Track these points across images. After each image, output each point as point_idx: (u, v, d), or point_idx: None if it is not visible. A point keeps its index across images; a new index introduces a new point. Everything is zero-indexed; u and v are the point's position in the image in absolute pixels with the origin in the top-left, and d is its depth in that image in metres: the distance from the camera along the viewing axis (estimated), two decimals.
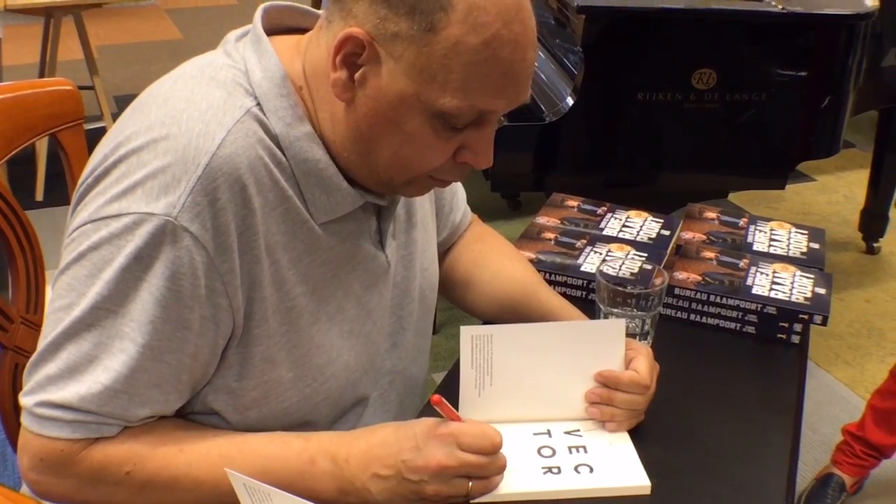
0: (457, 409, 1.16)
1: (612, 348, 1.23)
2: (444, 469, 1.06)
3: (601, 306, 1.37)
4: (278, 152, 1.07)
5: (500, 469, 1.09)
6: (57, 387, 1.04)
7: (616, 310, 1.36)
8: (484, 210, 1.61)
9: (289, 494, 0.92)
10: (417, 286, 1.31)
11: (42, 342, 1.05)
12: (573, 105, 2.33)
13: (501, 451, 1.10)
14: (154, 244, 1.00)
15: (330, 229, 1.13)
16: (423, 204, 1.34)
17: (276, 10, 1.16)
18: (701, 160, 2.48)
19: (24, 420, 1.06)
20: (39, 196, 3.81)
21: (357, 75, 1.03)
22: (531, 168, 2.42)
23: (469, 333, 1.19)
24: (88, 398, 1.03)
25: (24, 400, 1.06)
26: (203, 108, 1.05)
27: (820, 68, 2.43)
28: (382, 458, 1.07)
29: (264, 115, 1.07)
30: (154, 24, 6.58)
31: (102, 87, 4.07)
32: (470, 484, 1.07)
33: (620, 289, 1.34)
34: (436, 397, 1.10)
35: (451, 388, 1.23)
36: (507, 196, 3.71)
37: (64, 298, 1.04)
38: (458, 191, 1.50)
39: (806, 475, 2.53)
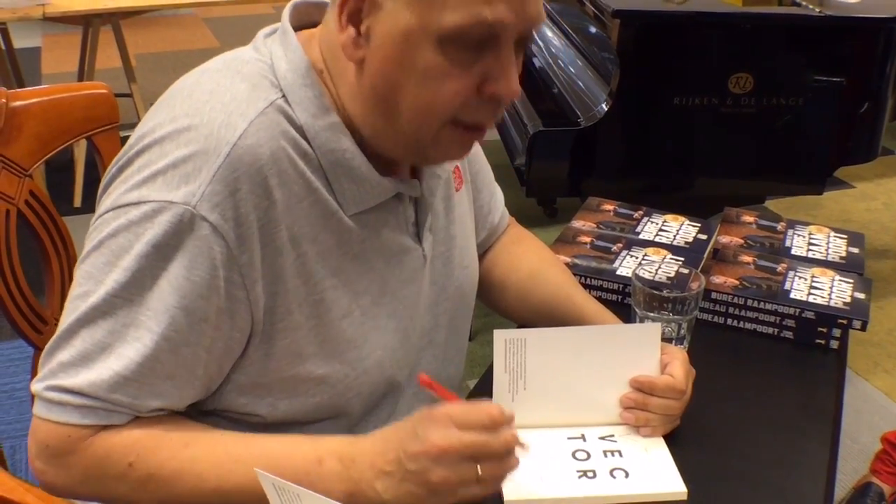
0: None
1: (647, 353, 1.22)
2: (443, 451, 1.01)
3: (637, 310, 1.36)
4: (304, 143, 1.07)
5: (505, 447, 1.03)
6: (68, 373, 1.04)
7: (652, 314, 1.34)
8: (520, 216, 1.60)
9: (318, 495, 0.91)
10: (456, 283, 1.30)
11: (58, 330, 1.06)
12: (608, 110, 2.32)
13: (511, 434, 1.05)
14: (173, 233, 1.00)
15: (362, 221, 1.12)
16: (462, 202, 1.33)
17: (305, 6, 1.16)
18: (737, 165, 2.46)
19: (35, 407, 1.07)
20: (78, 202, 3.85)
21: (363, 29, 1.02)
22: (567, 173, 2.41)
23: (503, 337, 1.19)
24: (98, 384, 1.03)
25: (36, 386, 1.06)
26: (227, 100, 1.05)
27: (858, 73, 2.41)
28: (384, 453, 1.04)
29: (290, 106, 1.07)
30: (191, 32, 6.63)
31: (140, 94, 4.11)
32: (479, 468, 1.02)
33: (657, 293, 1.33)
34: (423, 377, 1.07)
35: (484, 394, 1.23)
36: (543, 203, 3.70)
37: (81, 286, 1.04)
38: (495, 192, 1.49)
39: (845, 484, 2.49)
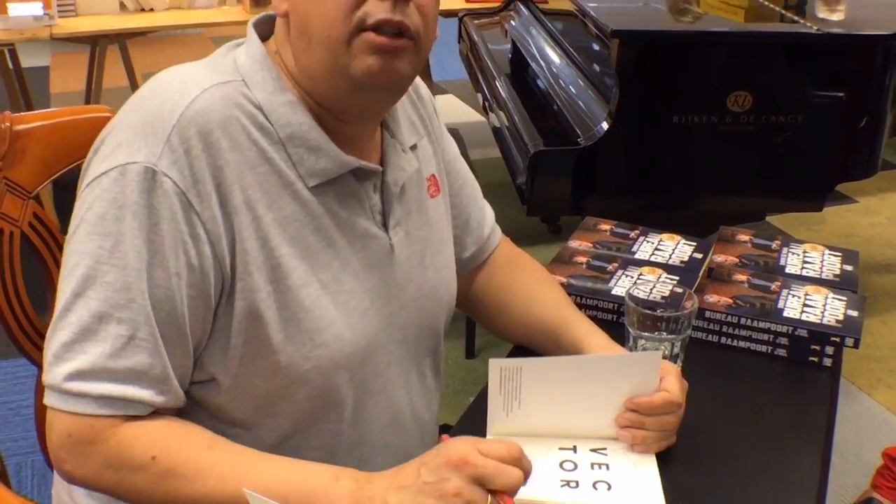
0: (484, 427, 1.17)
1: (646, 381, 1.23)
2: (464, 461, 1.03)
3: (630, 330, 1.37)
4: (262, 118, 1.15)
5: (518, 480, 1.05)
6: (75, 352, 1.08)
7: (646, 333, 1.36)
8: (523, 235, 1.62)
9: None
10: (430, 284, 1.33)
11: (54, 313, 1.10)
12: (608, 129, 2.34)
13: (528, 464, 1.08)
14: (140, 191, 1.07)
15: (324, 196, 1.18)
16: (438, 208, 1.38)
17: (270, 19, 1.25)
18: (737, 183, 2.48)
19: (50, 399, 1.09)
20: None
21: None
22: (568, 192, 2.43)
23: (498, 365, 1.20)
24: (115, 353, 1.07)
25: (48, 377, 1.09)
26: (185, 76, 1.16)
27: (857, 89, 2.42)
28: (402, 471, 1.07)
29: (248, 89, 1.16)
30: (199, 51, 6.68)
31: None
32: (489, 499, 1.04)
33: (650, 312, 1.35)
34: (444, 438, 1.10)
35: (481, 409, 1.25)
36: (546, 220, 3.71)
37: (68, 264, 1.10)
38: (484, 208, 1.53)
39: (846, 500, 2.50)
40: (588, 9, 2.51)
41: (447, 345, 1.46)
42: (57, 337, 1.10)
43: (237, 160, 1.12)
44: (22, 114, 1.55)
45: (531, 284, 1.48)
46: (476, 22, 3.84)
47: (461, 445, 1.06)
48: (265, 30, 1.23)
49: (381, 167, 1.25)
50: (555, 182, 2.41)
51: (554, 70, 2.94)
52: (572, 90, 2.73)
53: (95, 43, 3.81)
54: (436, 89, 5.62)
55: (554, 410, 1.23)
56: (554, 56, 3.02)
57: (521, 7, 3.70)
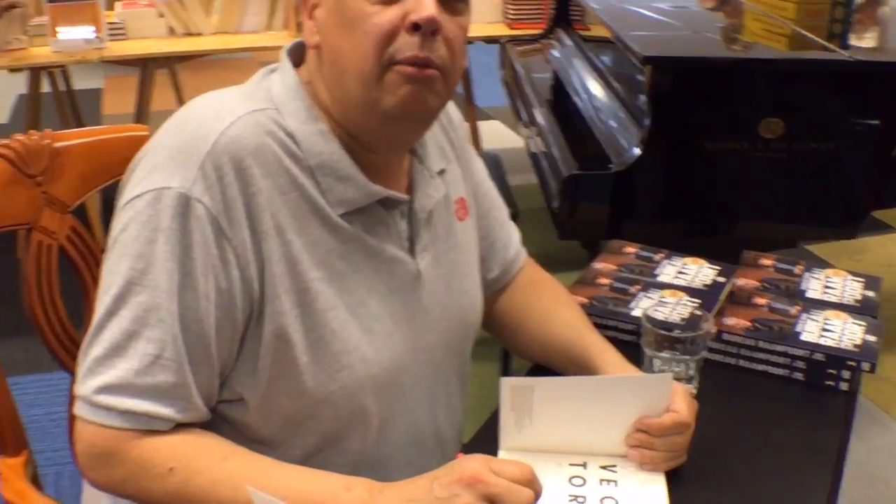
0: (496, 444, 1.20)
1: (656, 402, 1.24)
2: (475, 479, 1.05)
3: (646, 350, 1.39)
4: (293, 146, 1.19)
5: (529, 501, 1.08)
6: (106, 367, 1.13)
7: (661, 353, 1.38)
8: (561, 259, 1.65)
9: None
10: (457, 306, 1.37)
11: (89, 329, 1.16)
12: (641, 154, 2.36)
13: (539, 486, 1.10)
14: (172, 215, 1.12)
15: (351, 222, 1.22)
16: (466, 232, 1.41)
17: (303, 45, 1.29)
18: (769, 209, 2.48)
19: (79, 410, 1.15)
20: None
21: (314, 14, 1.20)
22: (600, 216, 2.45)
23: (509, 384, 1.23)
24: (142, 370, 1.12)
25: (79, 389, 1.15)
26: (219, 103, 1.21)
27: (890, 116, 2.42)
28: (415, 484, 1.10)
29: (281, 116, 1.20)
30: (247, 75, 6.72)
31: None
32: None
33: (664, 332, 1.37)
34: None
35: (493, 431, 1.28)
36: (586, 245, 3.73)
37: (103, 283, 1.16)
38: (511, 229, 1.56)
39: None
40: (623, 35, 2.53)
41: (484, 366, 1.49)
42: (90, 352, 1.15)
43: (268, 186, 1.16)
44: (62, 131, 1.60)
45: (550, 304, 1.51)
46: (518, 49, 3.89)
47: (474, 463, 1.08)
48: (298, 56, 1.28)
49: (407, 196, 1.29)
50: (586, 206, 2.43)
51: (592, 96, 2.97)
52: (609, 116, 2.75)
53: (145, 66, 3.89)
54: (481, 115, 5.65)
55: (565, 428, 1.26)
56: (592, 82, 3.05)
57: (563, 34, 3.74)
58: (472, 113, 4.55)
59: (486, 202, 1.51)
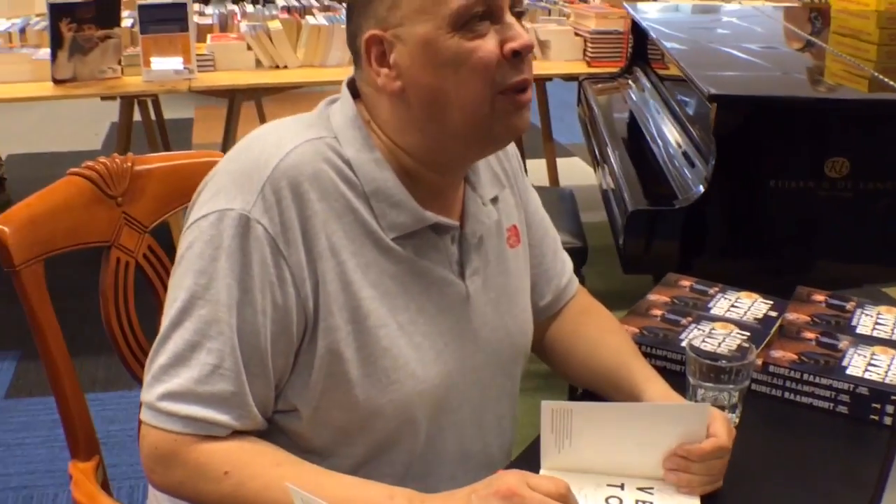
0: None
1: (693, 430, 1.27)
2: (512, 493, 1.11)
3: (690, 379, 1.43)
4: (349, 173, 1.26)
5: None
6: (169, 375, 1.21)
7: (705, 383, 1.41)
8: (626, 296, 1.68)
9: None
10: (505, 329, 1.42)
11: (156, 339, 1.24)
12: (704, 192, 2.39)
13: (574, 502, 1.15)
14: (234, 235, 1.20)
15: (403, 245, 1.29)
16: (518, 258, 1.47)
17: None
18: (834, 249, 2.48)
19: (144, 415, 1.23)
20: None
21: (391, 62, 1.23)
22: (664, 252, 2.48)
23: (550, 407, 1.28)
24: (202, 379, 1.20)
25: (145, 395, 1.24)
26: (282, 131, 1.28)
27: None
28: (455, 499, 1.16)
29: (339, 145, 1.27)
30: None
31: None
32: None
33: (707, 362, 1.40)
34: None
35: (537, 450, 1.32)
36: (657, 281, 3.75)
37: (170, 297, 1.24)
38: (564, 259, 1.62)
39: None
40: (691, 73, 2.57)
41: (555, 391, 1.54)
42: (156, 361, 1.24)
43: (324, 210, 1.24)
44: (143, 156, 1.71)
45: (599, 332, 1.55)
46: (596, 86, 3.94)
47: (512, 478, 1.14)
48: (355, 89, 1.35)
49: (457, 222, 1.35)
50: (650, 242, 2.46)
51: (664, 134, 3.01)
52: (679, 154, 2.79)
53: (232, 97, 4.04)
54: (561, 151, 5.71)
55: (603, 451, 1.30)
56: (666, 120, 3.09)
57: (640, 72, 3.79)
58: (551, 148, 4.61)
59: (540, 231, 1.57)
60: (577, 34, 4.37)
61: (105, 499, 1.50)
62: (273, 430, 1.30)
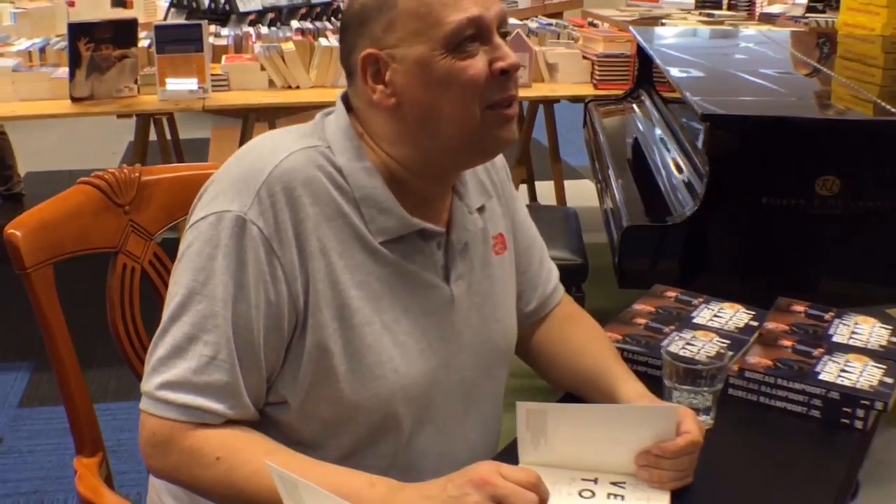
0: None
1: (662, 430, 1.33)
2: (485, 481, 1.17)
3: (666, 382, 1.49)
4: (341, 179, 1.34)
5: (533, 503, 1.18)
6: (168, 367, 1.29)
7: (680, 386, 1.48)
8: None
9: (315, 486, 1.09)
10: (488, 333, 1.49)
11: (156, 332, 1.32)
12: (697, 209, 2.45)
13: (545, 492, 1.20)
14: (231, 235, 1.28)
15: (392, 250, 1.37)
16: (503, 265, 1.54)
17: None
18: (825, 267, 2.53)
19: (143, 403, 1.31)
20: None
21: (387, 79, 1.31)
22: (657, 268, 2.54)
23: (524, 408, 1.35)
24: (198, 370, 1.28)
25: (145, 385, 1.32)
26: (277, 140, 1.37)
27: None
28: (431, 488, 1.22)
29: (332, 153, 1.35)
30: None
31: None
32: None
33: (681, 365, 1.47)
34: None
35: (515, 447, 1.39)
36: None
37: (170, 293, 1.32)
38: (550, 268, 1.68)
39: None
40: (687, 94, 2.64)
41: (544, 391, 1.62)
42: (155, 353, 1.32)
43: (316, 213, 1.32)
44: (150, 167, 1.79)
45: (582, 338, 1.62)
46: (602, 108, 4.01)
47: (485, 468, 1.20)
48: (349, 102, 1.42)
49: (443, 229, 1.43)
50: (644, 257, 2.52)
51: (664, 154, 3.08)
52: (677, 172, 2.85)
53: (246, 117, 4.12)
54: (572, 173, 5.79)
55: (577, 449, 1.36)
56: (667, 140, 3.16)
57: (645, 95, 3.86)
58: (558, 169, 4.68)
59: (527, 240, 1.64)
60: (584, 57, 4.44)
61: (106, 492, 1.56)
62: (265, 422, 1.37)
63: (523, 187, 5.06)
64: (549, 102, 4.43)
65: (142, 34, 4.19)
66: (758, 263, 2.58)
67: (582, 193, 5.53)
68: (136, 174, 1.74)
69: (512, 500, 1.17)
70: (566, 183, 4.87)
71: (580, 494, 1.32)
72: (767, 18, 5.71)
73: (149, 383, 1.31)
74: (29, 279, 1.56)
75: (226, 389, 1.29)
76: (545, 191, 5.19)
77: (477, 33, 1.30)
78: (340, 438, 1.38)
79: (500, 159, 1.61)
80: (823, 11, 5.64)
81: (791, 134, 2.46)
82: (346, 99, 1.42)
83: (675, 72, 3.07)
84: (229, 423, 1.31)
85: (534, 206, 4.47)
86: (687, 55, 3.56)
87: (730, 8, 6.05)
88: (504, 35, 1.35)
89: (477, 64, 1.30)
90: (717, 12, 5.70)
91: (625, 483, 1.35)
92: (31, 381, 3.53)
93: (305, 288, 1.32)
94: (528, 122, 4.69)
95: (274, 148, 1.35)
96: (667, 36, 4.39)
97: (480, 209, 1.51)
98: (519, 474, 1.19)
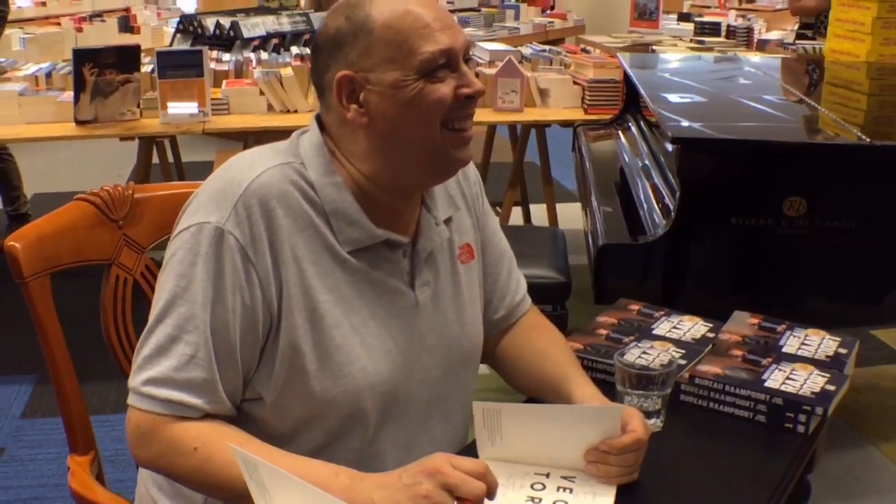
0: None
1: (607, 429, 1.43)
2: (436, 470, 1.27)
3: (618, 386, 1.60)
4: (312, 193, 1.46)
5: (480, 491, 1.28)
6: (151, 364, 1.41)
7: (631, 390, 1.58)
8: None
9: (274, 466, 1.20)
10: (453, 336, 1.61)
11: (143, 333, 1.44)
12: (667, 229, 2.55)
13: (493, 481, 1.30)
14: (210, 244, 1.40)
15: (359, 257, 1.49)
16: (470, 273, 1.66)
17: None
18: (793, 287, 2.63)
19: (130, 399, 1.43)
20: None
21: (361, 99, 1.44)
22: (632, 285, 2.64)
23: (480, 407, 1.46)
24: (179, 367, 1.40)
25: (131, 382, 1.43)
26: (254, 157, 1.49)
27: None
28: (388, 477, 1.33)
29: (305, 169, 1.47)
30: None
31: None
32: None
33: (632, 370, 1.57)
34: None
35: (473, 448, 1.50)
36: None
37: (154, 298, 1.45)
38: (519, 278, 1.80)
39: None
40: (661, 118, 2.75)
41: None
42: (141, 352, 1.44)
43: (289, 224, 1.44)
44: (143, 185, 1.90)
45: (544, 345, 1.72)
46: (589, 133, 4.12)
47: (438, 458, 1.31)
48: (321, 122, 1.55)
49: (408, 239, 1.55)
50: (618, 275, 2.63)
51: (643, 176, 3.19)
52: (654, 194, 2.96)
53: (246, 140, 4.25)
54: (567, 196, 5.88)
55: (531, 445, 1.47)
56: (647, 163, 3.27)
57: (631, 119, 3.97)
58: (550, 192, 4.78)
59: (497, 252, 1.75)
60: (575, 83, 4.56)
61: (97, 487, 1.68)
62: (242, 417, 1.48)
63: (515, 208, 5.16)
64: (540, 126, 4.54)
65: (146, 59, 4.33)
66: (728, 282, 2.68)
67: (575, 216, 5.61)
68: (130, 191, 1.86)
69: (461, 489, 1.27)
70: (561, 206, 4.97)
71: (532, 487, 1.43)
72: (761, 46, 5.84)
73: (135, 380, 1.43)
74: (27, 288, 1.68)
75: (204, 386, 1.41)
76: (536, 212, 5.30)
77: (447, 62, 1.44)
78: (312, 433, 1.49)
79: (473, 174, 1.73)
80: (813, 38, 5.76)
81: (758, 156, 2.57)
82: (319, 119, 1.54)
83: (652, 96, 3.19)
84: (207, 417, 1.42)
85: (523, 226, 4.58)
86: (669, 80, 3.68)
87: (728, 35, 6.17)
88: (467, 60, 1.48)
89: (444, 89, 1.43)
90: (707, 39, 5.82)
91: (575, 478, 1.45)
92: (34, 393, 3.65)
93: (279, 293, 1.43)
94: (520, 145, 4.80)
95: (251, 164, 1.47)
96: (653, 62, 4.52)
97: (448, 220, 1.62)
98: (468, 464, 1.30)
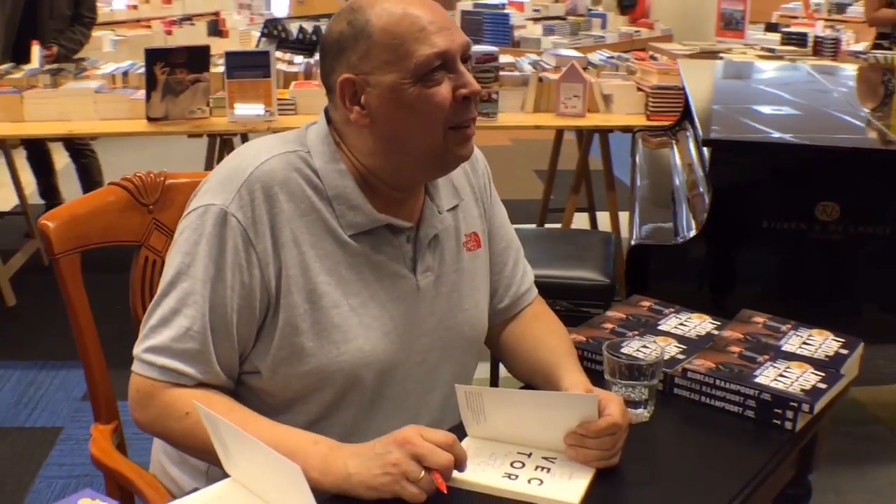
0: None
1: (586, 414, 1.48)
2: (406, 440, 1.35)
3: (606, 377, 1.64)
4: (316, 180, 1.55)
5: (448, 462, 1.35)
6: (155, 334, 1.51)
7: (618, 380, 1.63)
8: None
9: (232, 424, 1.30)
10: (454, 320, 1.68)
11: (150, 304, 1.55)
12: (698, 231, 2.58)
13: (461, 452, 1.38)
14: (213, 224, 1.50)
15: (360, 241, 1.56)
16: (476, 261, 1.72)
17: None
18: (825, 293, 2.62)
19: (133, 365, 1.53)
20: None
21: (363, 101, 1.51)
22: (661, 286, 2.66)
23: (463, 390, 1.52)
24: (177, 338, 1.50)
25: (136, 349, 1.54)
26: (260, 145, 1.58)
27: None
28: (363, 447, 1.40)
29: (310, 157, 1.55)
30: None
31: None
32: (422, 473, 1.34)
33: (616, 359, 1.62)
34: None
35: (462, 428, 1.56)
36: None
37: (163, 273, 1.55)
38: (526, 269, 1.86)
39: None
40: (697, 122, 2.78)
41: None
42: (147, 322, 1.54)
43: (290, 209, 1.53)
44: (174, 172, 2.01)
45: (542, 335, 1.78)
46: (648, 138, 4.14)
47: (409, 430, 1.39)
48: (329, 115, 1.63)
49: (411, 224, 1.62)
50: (649, 275, 2.66)
51: (685, 179, 3.21)
52: (691, 197, 2.98)
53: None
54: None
55: (513, 427, 1.53)
56: (693, 169, 3.29)
57: (687, 125, 3.98)
58: (613, 198, 4.80)
59: (503, 243, 1.82)
60: (639, 89, 4.59)
61: (115, 454, 1.78)
62: (241, 388, 1.59)
63: (582, 214, 5.18)
64: (602, 132, 4.57)
65: (218, 60, 4.48)
66: (760, 286, 2.68)
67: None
68: (162, 178, 1.96)
69: (428, 458, 1.35)
70: (626, 214, 4.98)
71: (511, 465, 1.48)
72: (843, 56, 5.76)
73: (138, 347, 1.54)
74: (58, 264, 1.80)
75: (198, 356, 1.50)
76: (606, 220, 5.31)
77: (443, 64, 1.50)
78: (308, 405, 1.58)
79: (482, 165, 1.79)
80: (889, 48, 5.68)
81: (791, 159, 2.57)
82: (327, 112, 1.62)
83: (700, 104, 3.20)
84: (201, 386, 1.52)
85: (575, 230, 4.60)
86: (722, 88, 3.68)
87: (816, 46, 6.03)
88: (465, 60, 1.54)
89: (442, 91, 1.50)
90: (778, 48, 5.77)
91: (555, 459, 1.50)
92: None
93: (278, 273, 1.52)
94: (582, 150, 4.84)
95: (257, 152, 1.56)
96: (711, 70, 4.51)
97: (454, 209, 1.69)
98: (437, 436, 1.37)
